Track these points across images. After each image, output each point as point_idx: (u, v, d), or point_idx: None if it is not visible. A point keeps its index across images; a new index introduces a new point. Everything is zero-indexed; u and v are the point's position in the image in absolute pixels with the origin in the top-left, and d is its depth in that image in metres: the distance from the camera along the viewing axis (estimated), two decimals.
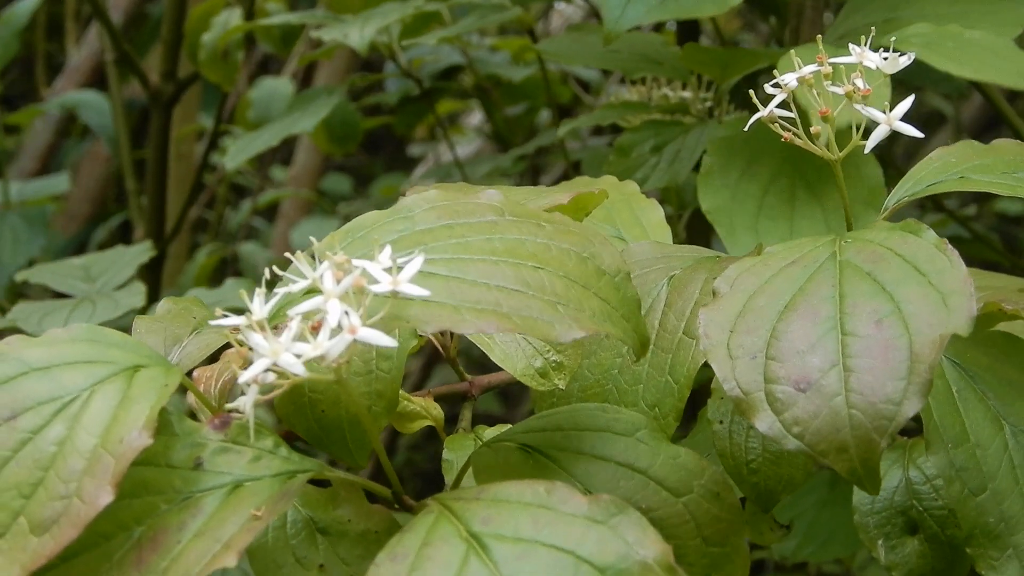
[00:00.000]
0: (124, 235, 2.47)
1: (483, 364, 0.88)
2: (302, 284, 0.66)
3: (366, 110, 2.53)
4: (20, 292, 2.10)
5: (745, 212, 1.19)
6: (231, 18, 1.89)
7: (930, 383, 0.65)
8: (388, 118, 2.48)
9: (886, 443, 0.64)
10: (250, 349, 0.63)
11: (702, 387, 0.93)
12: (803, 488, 1.68)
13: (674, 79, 1.49)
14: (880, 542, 0.91)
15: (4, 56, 2.43)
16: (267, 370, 0.63)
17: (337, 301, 0.63)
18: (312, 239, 0.68)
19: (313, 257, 0.66)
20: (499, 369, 0.85)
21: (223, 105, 2.04)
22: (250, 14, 1.92)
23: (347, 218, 2.48)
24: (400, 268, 0.64)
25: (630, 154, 1.38)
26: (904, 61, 0.81)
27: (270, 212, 3.08)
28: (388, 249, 0.66)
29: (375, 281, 0.64)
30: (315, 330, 0.63)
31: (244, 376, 0.63)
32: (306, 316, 0.64)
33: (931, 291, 0.68)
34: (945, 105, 2.33)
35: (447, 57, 2.17)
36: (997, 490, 0.77)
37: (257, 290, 0.66)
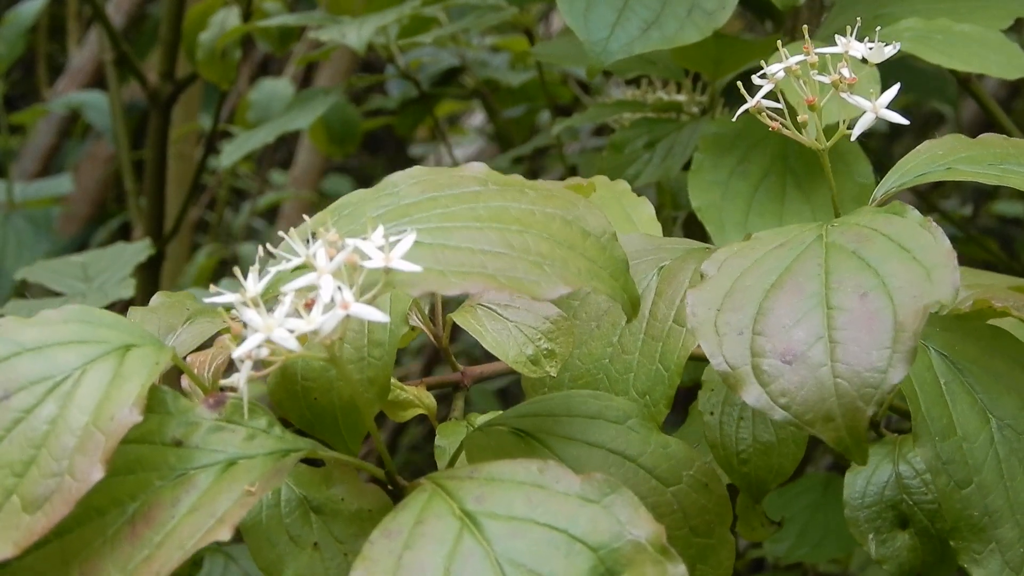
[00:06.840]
0: (124, 237, 2.46)
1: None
2: (295, 262, 0.66)
3: (368, 111, 2.53)
4: (21, 294, 2.10)
5: (735, 209, 1.19)
6: (229, 17, 1.90)
7: (915, 351, 0.65)
8: (389, 119, 2.48)
9: (872, 411, 0.65)
10: (244, 326, 0.64)
11: (696, 384, 0.94)
12: (796, 490, 1.68)
13: (667, 79, 1.50)
14: (871, 536, 0.92)
15: (10, 56, 2.44)
16: (260, 345, 0.63)
17: (330, 277, 0.64)
18: (305, 216, 0.68)
19: (306, 239, 0.67)
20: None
21: (221, 106, 2.04)
22: (248, 14, 1.92)
23: None
24: (392, 245, 0.65)
25: (623, 150, 1.39)
26: (889, 51, 0.81)
27: (271, 214, 3.08)
28: (381, 228, 0.66)
29: (367, 258, 0.65)
30: (308, 307, 0.64)
31: (238, 351, 0.63)
32: (299, 292, 0.64)
33: (915, 265, 0.69)
34: (945, 106, 2.33)
35: (446, 60, 2.17)
36: (982, 484, 0.77)
37: (251, 268, 0.67)
